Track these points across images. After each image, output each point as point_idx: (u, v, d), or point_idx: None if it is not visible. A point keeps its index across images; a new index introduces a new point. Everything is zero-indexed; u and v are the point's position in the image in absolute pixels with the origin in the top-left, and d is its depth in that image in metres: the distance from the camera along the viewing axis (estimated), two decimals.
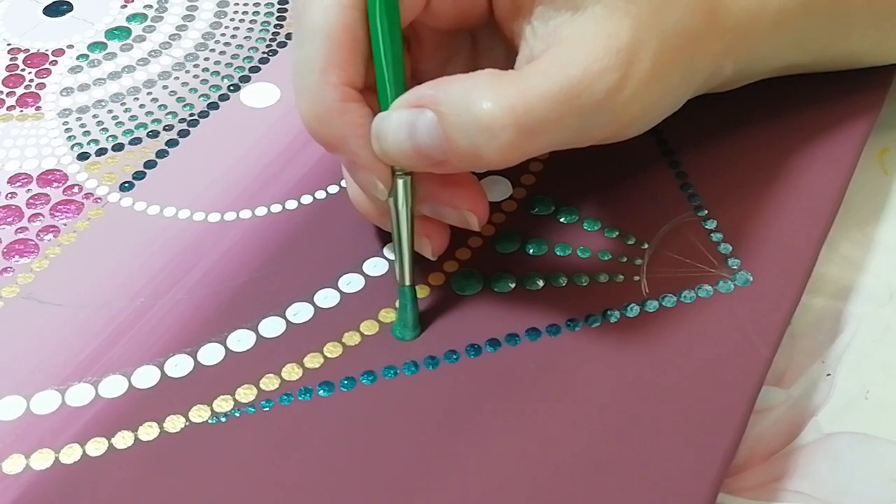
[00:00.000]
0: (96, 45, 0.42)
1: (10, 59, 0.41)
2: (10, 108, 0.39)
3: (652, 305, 0.30)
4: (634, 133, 0.30)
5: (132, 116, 0.38)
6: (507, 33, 0.30)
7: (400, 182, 0.28)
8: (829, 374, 0.30)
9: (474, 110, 0.26)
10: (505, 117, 0.25)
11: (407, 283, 0.29)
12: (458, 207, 0.29)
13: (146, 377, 0.29)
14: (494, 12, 0.30)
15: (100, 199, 0.35)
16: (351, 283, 0.31)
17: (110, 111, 0.38)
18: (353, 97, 0.27)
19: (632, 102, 0.27)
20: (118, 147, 0.37)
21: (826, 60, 0.35)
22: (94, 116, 0.38)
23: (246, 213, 0.34)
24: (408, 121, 0.27)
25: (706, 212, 0.33)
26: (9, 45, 0.42)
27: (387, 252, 0.32)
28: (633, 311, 0.30)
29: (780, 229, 0.32)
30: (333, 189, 0.35)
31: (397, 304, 0.30)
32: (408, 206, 0.29)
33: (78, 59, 0.41)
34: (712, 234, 0.32)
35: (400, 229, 0.29)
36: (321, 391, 0.29)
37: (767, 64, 0.33)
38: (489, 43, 0.31)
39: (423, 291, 0.31)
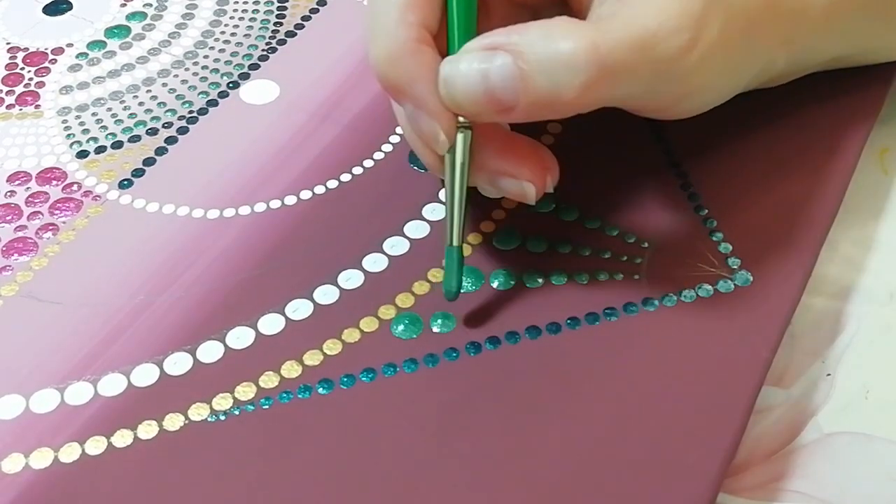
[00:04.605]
0: (96, 44, 0.42)
1: (10, 58, 0.41)
2: (10, 106, 0.39)
3: (652, 304, 0.30)
4: (689, 109, 0.30)
5: (131, 114, 0.38)
6: (575, 4, 0.30)
7: (460, 136, 0.28)
8: (829, 374, 0.30)
9: (556, 47, 0.26)
10: (588, 54, 0.26)
11: (455, 243, 0.29)
12: (517, 177, 0.29)
13: (145, 375, 0.29)
14: None
15: (99, 196, 0.35)
16: (350, 279, 0.31)
17: (109, 109, 0.38)
18: (427, 40, 0.28)
19: (698, 67, 0.28)
20: (117, 145, 0.37)
21: (871, 53, 0.35)
22: (94, 114, 0.38)
23: (245, 210, 0.34)
24: (480, 63, 0.27)
25: (706, 211, 0.33)
26: (8, 43, 0.42)
27: (386, 248, 0.32)
28: (634, 310, 0.30)
29: (780, 229, 0.32)
30: (333, 184, 0.35)
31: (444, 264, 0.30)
32: (465, 162, 0.29)
33: (77, 57, 0.41)
34: (712, 234, 0.32)
35: (454, 186, 0.29)
36: (321, 389, 0.28)
37: (817, 56, 0.34)
38: None
39: (422, 288, 0.31)
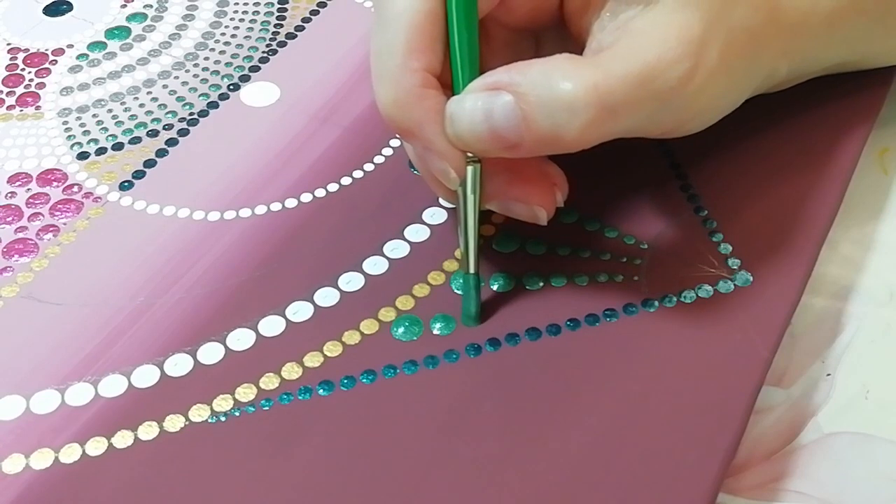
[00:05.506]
0: (96, 45, 0.42)
1: (10, 59, 0.41)
2: (10, 107, 0.39)
3: (652, 305, 0.30)
4: (693, 129, 0.30)
5: (132, 116, 0.38)
6: (574, 29, 0.30)
7: (469, 169, 0.29)
8: (829, 374, 0.30)
9: (556, 89, 0.26)
10: (588, 96, 0.26)
11: (471, 270, 0.30)
12: (527, 202, 0.30)
13: (146, 376, 0.29)
14: (564, 7, 0.30)
15: (99, 198, 0.35)
16: (351, 281, 0.31)
17: (110, 110, 0.38)
18: (432, 83, 0.28)
19: (699, 94, 0.28)
20: (118, 146, 0.37)
21: (872, 58, 0.35)
22: (94, 116, 0.38)
23: (246, 212, 0.34)
24: (484, 103, 0.27)
25: (706, 212, 0.33)
26: (9, 44, 0.42)
27: (386, 251, 0.32)
28: (633, 311, 0.30)
29: (780, 229, 0.32)
30: (333, 188, 0.35)
31: (459, 291, 0.31)
32: (476, 194, 0.29)
33: (78, 58, 0.41)
34: (712, 235, 0.32)
35: (467, 217, 0.29)
36: (321, 390, 0.28)
37: (818, 63, 0.34)
38: (552, 48, 0.32)
39: (423, 290, 0.31)
